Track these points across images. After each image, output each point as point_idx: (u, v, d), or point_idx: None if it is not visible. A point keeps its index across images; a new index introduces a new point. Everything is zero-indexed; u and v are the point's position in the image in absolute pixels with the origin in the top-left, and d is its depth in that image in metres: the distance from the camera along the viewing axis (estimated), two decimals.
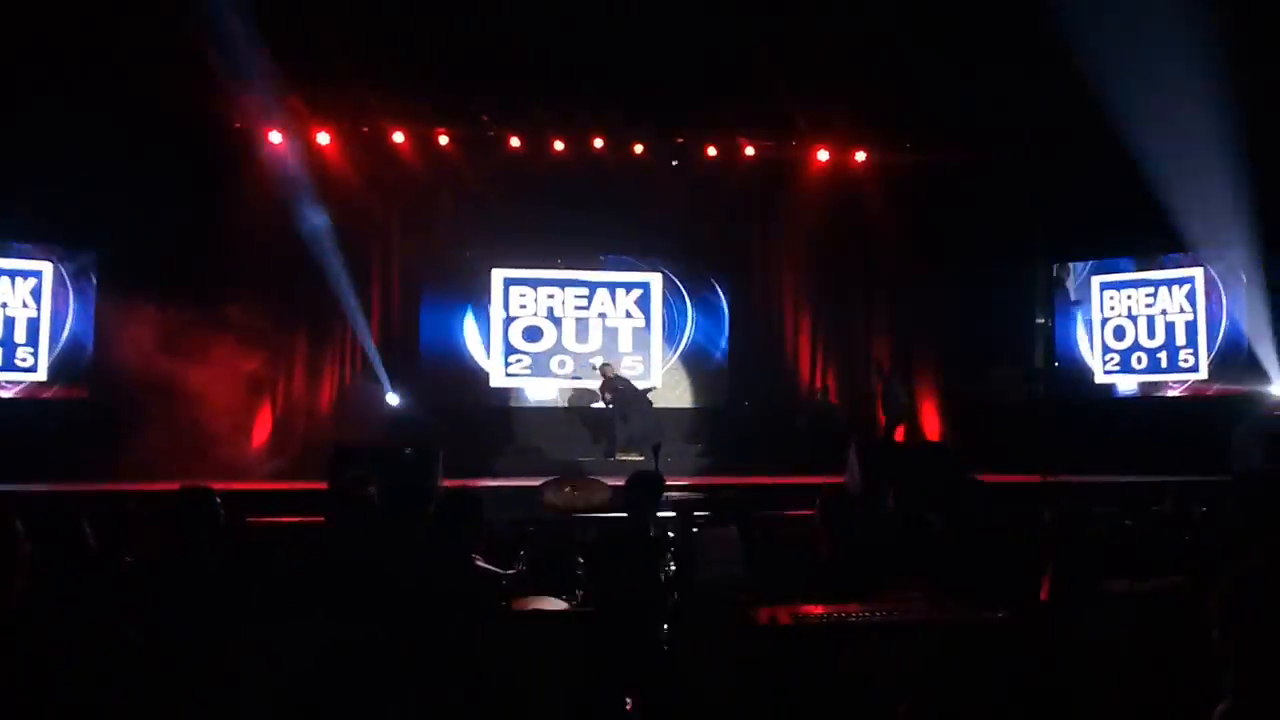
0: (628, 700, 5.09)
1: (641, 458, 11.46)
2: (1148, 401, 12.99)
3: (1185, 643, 4.33)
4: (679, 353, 14.61)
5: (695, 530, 5.68)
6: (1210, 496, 5.76)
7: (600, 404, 13.40)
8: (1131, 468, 10.18)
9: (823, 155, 14.10)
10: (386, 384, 13.22)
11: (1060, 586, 5.15)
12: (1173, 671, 4.24)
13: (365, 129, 13.23)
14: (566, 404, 13.95)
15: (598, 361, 13.67)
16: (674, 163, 13.94)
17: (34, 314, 12.45)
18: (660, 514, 6.85)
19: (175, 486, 5.20)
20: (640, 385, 13.58)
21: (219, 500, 5.12)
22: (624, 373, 13.72)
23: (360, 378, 13.24)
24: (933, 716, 4.76)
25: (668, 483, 7.86)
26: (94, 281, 12.68)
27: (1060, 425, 13.03)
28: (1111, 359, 13.62)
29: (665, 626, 5.17)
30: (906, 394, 13.48)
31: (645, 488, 5.61)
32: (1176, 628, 4.50)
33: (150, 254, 12.08)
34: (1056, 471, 9.39)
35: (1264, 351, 11.88)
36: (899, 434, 13.39)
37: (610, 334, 14.34)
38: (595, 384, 13.44)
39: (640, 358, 14.35)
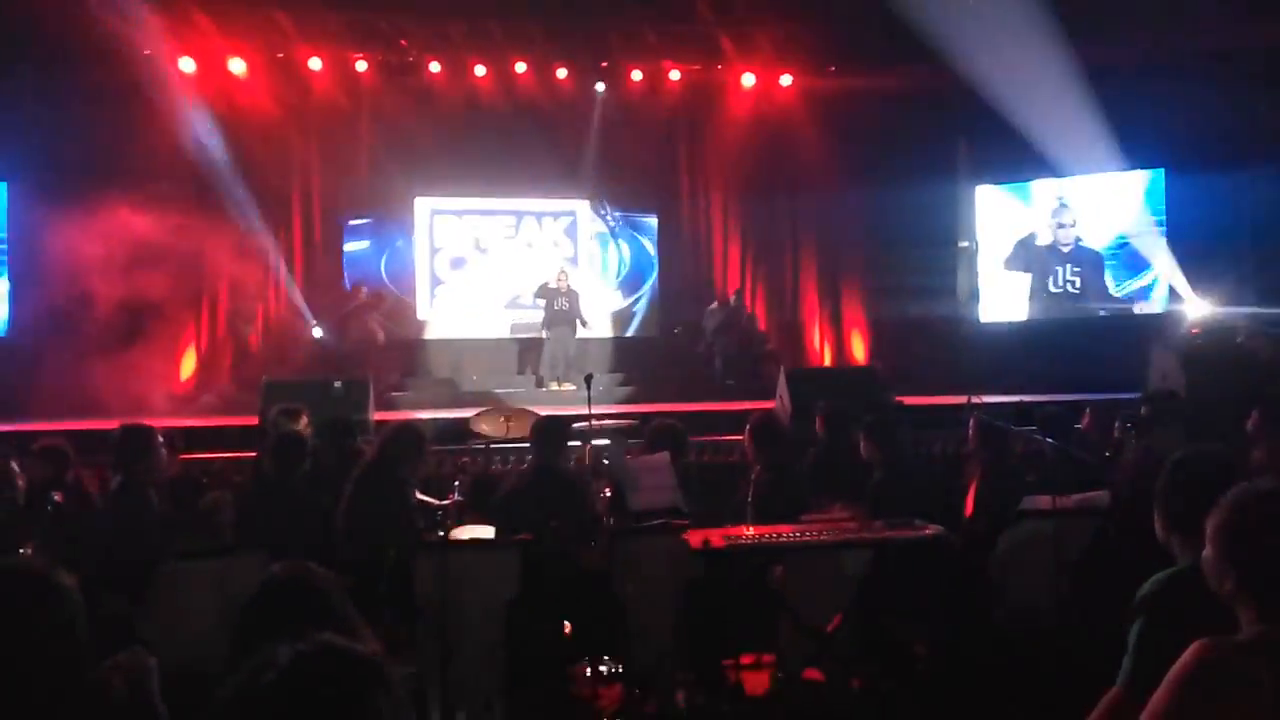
0: (566, 625, 5.19)
1: (574, 387, 11.45)
2: (1068, 322, 13.30)
3: (1105, 555, 4.54)
4: (609, 280, 14.57)
5: (628, 458, 5.72)
6: (1130, 415, 5.96)
7: (545, 309, 13.04)
8: (1050, 388, 10.48)
9: (748, 79, 14.02)
10: (310, 318, 13.01)
11: (984, 503, 5.34)
12: (1092, 583, 4.45)
13: (280, 55, 12.82)
14: (502, 335, 13.74)
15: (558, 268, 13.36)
16: (598, 87, 13.76)
17: None
18: (596, 443, 6.94)
19: (99, 424, 5.11)
20: (579, 307, 13.15)
21: (160, 439, 5.04)
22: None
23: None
24: (862, 631, 4.93)
25: (598, 410, 7.95)
26: (4, 215, 12.20)
27: (986, 347, 13.33)
28: None
29: (599, 552, 5.25)
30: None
31: (550, 434, 5.66)
32: (1097, 541, 4.71)
33: (63, 186, 11.62)
34: (979, 392, 9.61)
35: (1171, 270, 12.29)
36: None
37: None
38: (551, 285, 13.01)
39: None
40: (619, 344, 14.45)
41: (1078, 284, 13.48)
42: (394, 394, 12.18)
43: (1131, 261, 13.11)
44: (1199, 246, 12.04)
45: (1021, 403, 8.08)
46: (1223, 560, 2.02)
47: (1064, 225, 13.57)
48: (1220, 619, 2.01)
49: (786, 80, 14.10)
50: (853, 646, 4.93)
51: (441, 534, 4.75)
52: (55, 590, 1.99)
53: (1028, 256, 13.87)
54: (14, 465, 4.65)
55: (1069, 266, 13.58)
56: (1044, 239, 13.70)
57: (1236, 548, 2.00)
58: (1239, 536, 2.01)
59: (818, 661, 4.97)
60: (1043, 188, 13.70)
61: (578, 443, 6.85)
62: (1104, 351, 10.98)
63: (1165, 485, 2.57)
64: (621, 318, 14.63)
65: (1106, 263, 13.29)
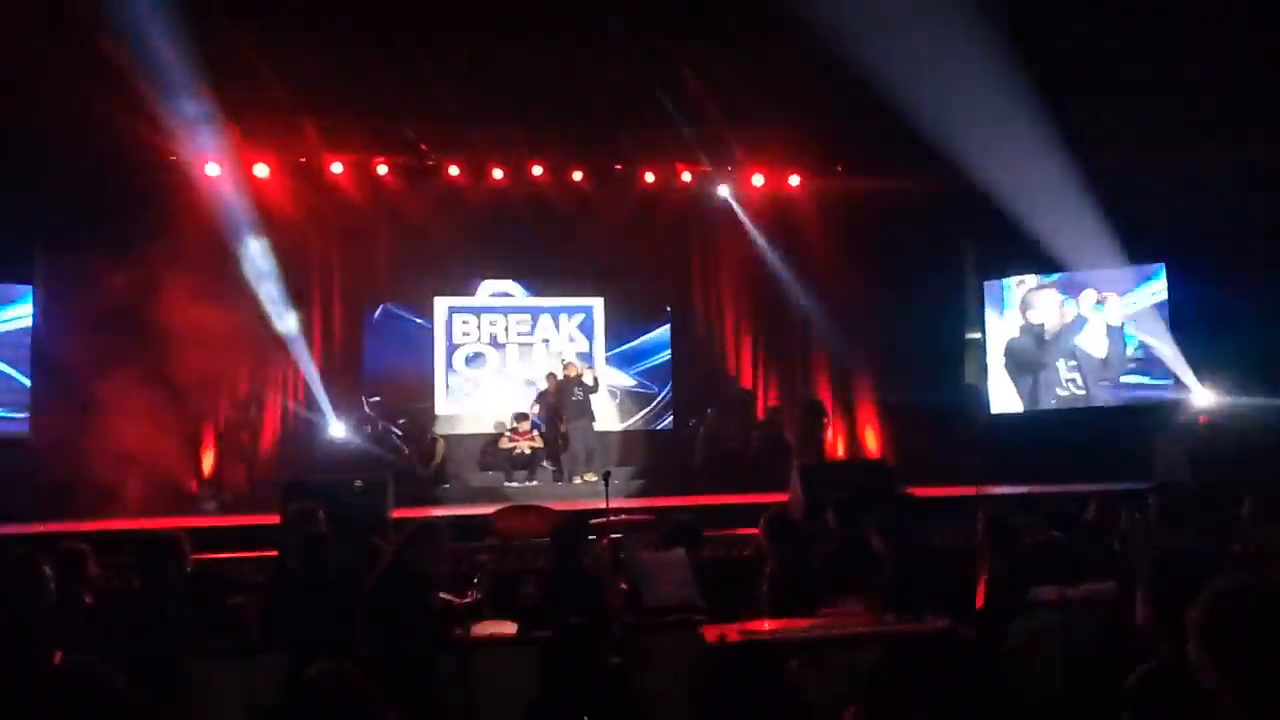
0: None
1: (595, 478, 11.56)
2: (1075, 411, 13.39)
3: (1114, 643, 4.60)
4: (624, 374, 14.76)
5: (644, 554, 5.83)
6: (1135, 505, 6.04)
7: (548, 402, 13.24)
8: (1057, 478, 10.52)
9: (758, 180, 14.39)
10: (331, 415, 13.19)
11: (994, 595, 5.41)
12: (1102, 670, 4.50)
13: (303, 159, 13.25)
14: (512, 424, 13.87)
15: (565, 359, 13.59)
16: (612, 188, 14.11)
17: None
18: (613, 537, 7.04)
19: (122, 524, 5.23)
20: (593, 399, 13.36)
21: (186, 546, 5.16)
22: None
23: None
24: None
25: (614, 505, 8.06)
26: (31, 320, 12.51)
27: (995, 437, 13.40)
28: None
29: (617, 649, 5.32)
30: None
31: (571, 533, 5.77)
32: (1105, 630, 4.77)
33: (88, 290, 11.96)
34: (988, 483, 9.69)
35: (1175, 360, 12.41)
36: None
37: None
38: (552, 382, 13.27)
39: None
40: (637, 437, 14.56)
41: (1079, 381, 13.58)
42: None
43: (1139, 355, 13.26)
44: (1203, 339, 12.20)
45: (1029, 494, 8.15)
46: (1203, 654, 2.13)
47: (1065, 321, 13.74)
48: (1204, 711, 2.10)
49: (794, 181, 14.45)
50: None
51: (461, 632, 4.84)
52: (115, 690, 2.12)
53: (1022, 359, 14.02)
54: (46, 568, 4.77)
55: (1067, 363, 13.70)
56: (1050, 328, 13.85)
57: (1216, 642, 2.11)
58: (1217, 631, 2.11)
59: None
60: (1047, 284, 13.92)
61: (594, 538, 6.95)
62: (1111, 441, 11.06)
63: (1151, 579, 2.68)
64: (637, 412, 14.76)
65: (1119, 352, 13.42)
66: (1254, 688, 2.06)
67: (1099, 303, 13.48)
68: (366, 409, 13.31)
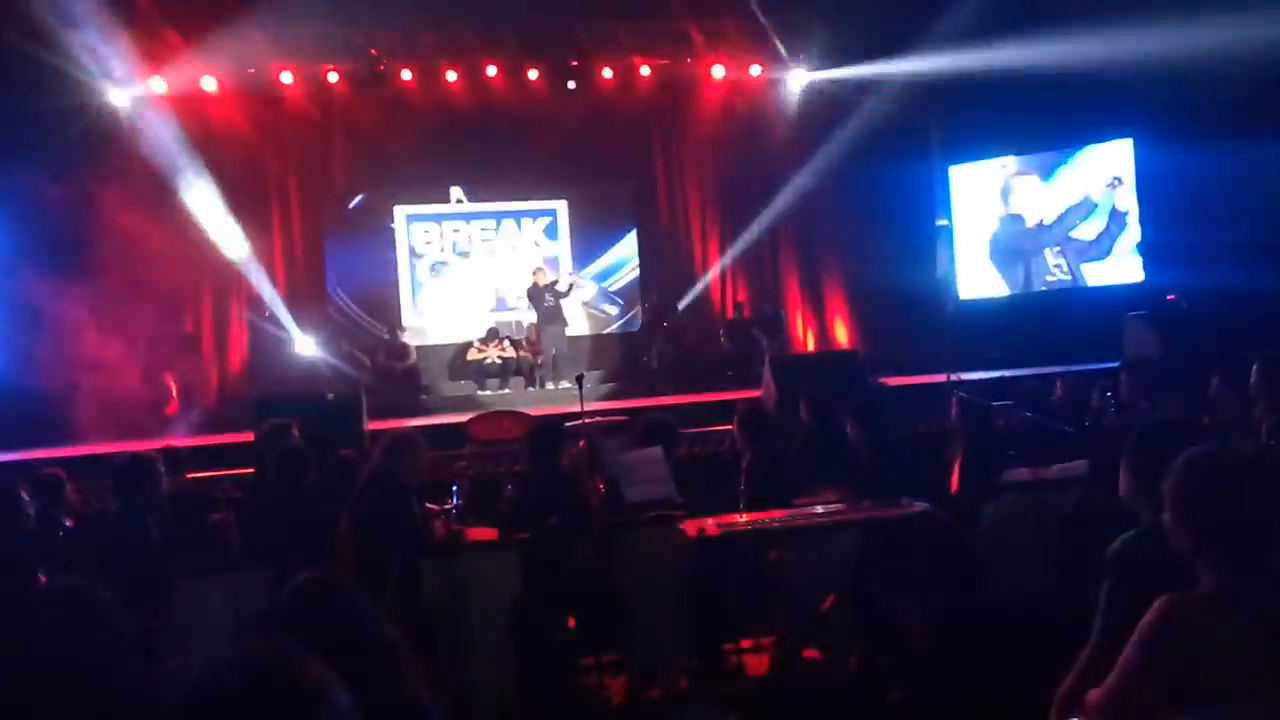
0: (570, 620, 5.32)
1: (568, 384, 11.59)
2: (1045, 294, 13.47)
3: (1089, 519, 4.70)
4: (591, 278, 14.66)
5: (621, 453, 5.85)
6: (1104, 385, 6.12)
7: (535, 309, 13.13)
8: (1030, 362, 10.64)
9: (718, 71, 14.12)
10: (296, 332, 13.08)
11: (968, 478, 5.50)
12: (1074, 549, 4.60)
13: (251, 70, 12.85)
14: (483, 335, 13.80)
15: (535, 267, 13.44)
16: (570, 86, 13.82)
17: None
18: (589, 438, 7.06)
19: (96, 449, 5.21)
20: (564, 304, 13.22)
21: (161, 466, 5.15)
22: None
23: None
24: (857, 607, 5.09)
25: (587, 408, 8.09)
26: None
27: (965, 324, 13.48)
28: None
29: (597, 547, 5.39)
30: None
31: (547, 436, 5.77)
32: (1079, 507, 4.87)
33: (38, 217, 11.65)
34: (960, 370, 9.78)
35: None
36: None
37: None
38: (540, 284, 13.06)
39: None
40: (607, 339, 14.55)
41: (1065, 266, 13.61)
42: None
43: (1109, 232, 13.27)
44: (1169, 213, 12.23)
45: (1000, 378, 8.24)
46: (1179, 521, 2.17)
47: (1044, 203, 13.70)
48: (1182, 575, 2.15)
49: (756, 71, 14.22)
50: (848, 624, 5.08)
51: (444, 539, 4.87)
52: (102, 607, 2.11)
53: (1009, 246, 13.97)
54: (24, 494, 4.75)
55: (1052, 249, 13.70)
56: (1031, 219, 13.83)
57: (1190, 508, 2.15)
58: (1191, 498, 2.15)
59: (815, 641, 5.12)
60: (1018, 167, 13.84)
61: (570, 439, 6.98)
62: (1082, 323, 11.15)
63: (1131, 451, 2.72)
64: (606, 314, 14.72)
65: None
66: (1224, 550, 2.10)
67: (1112, 184, 13.19)
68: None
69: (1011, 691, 4.35)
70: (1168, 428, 2.72)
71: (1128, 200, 12.95)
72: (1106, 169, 13.17)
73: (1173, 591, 2.08)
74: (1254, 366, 4.49)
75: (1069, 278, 13.52)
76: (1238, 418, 4.59)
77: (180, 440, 9.54)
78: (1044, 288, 13.66)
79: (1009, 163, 13.82)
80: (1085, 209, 13.38)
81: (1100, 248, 13.30)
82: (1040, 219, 13.70)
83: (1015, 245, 13.88)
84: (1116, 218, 13.15)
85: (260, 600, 4.26)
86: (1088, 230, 13.41)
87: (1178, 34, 10.06)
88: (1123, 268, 13.04)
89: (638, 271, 14.77)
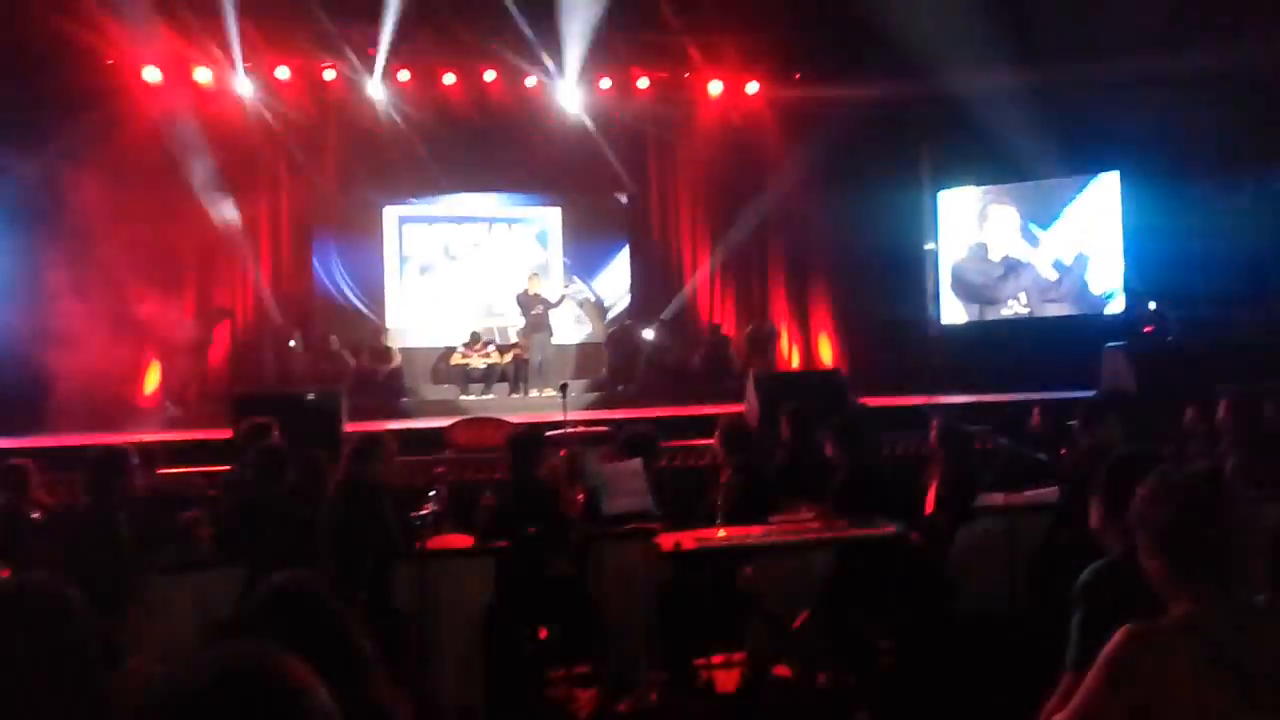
0: (542, 630, 5.32)
1: (553, 391, 11.57)
2: (1027, 322, 13.53)
3: (1056, 548, 4.72)
4: (579, 288, 14.67)
5: (601, 464, 5.86)
6: (1080, 413, 6.14)
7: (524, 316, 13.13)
8: (1006, 388, 10.68)
9: (715, 87, 14.17)
10: (279, 329, 13.04)
11: (943, 501, 5.52)
12: (1045, 575, 4.63)
13: (248, 65, 12.84)
14: (468, 340, 13.77)
15: (531, 272, 13.44)
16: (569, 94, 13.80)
17: None
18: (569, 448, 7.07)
19: (69, 440, 5.16)
20: (551, 314, 13.24)
21: (135, 460, 5.11)
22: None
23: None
24: (828, 625, 5.10)
25: (570, 418, 8.09)
26: None
27: (946, 348, 13.56)
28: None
29: (573, 558, 5.38)
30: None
31: (526, 444, 5.73)
32: (1051, 534, 4.90)
33: (25, 202, 11.58)
34: (939, 393, 9.84)
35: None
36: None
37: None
38: (530, 292, 13.06)
39: None
40: (593, 349, 14.53)
41: (1024, 300, 13.68)
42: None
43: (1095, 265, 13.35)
44: (1151, 248, 12.33)
45: (977, 403, 8.28)
46: (1147, 547, 2.18)
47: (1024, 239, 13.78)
48: (1152, 604, 2.16)
49: (753, 88, 14.27)
50: (819, 642, 5.09)
51: (419, 543, 4.86)
52: (69, 605, 2.10)
53: (969, 287, 14.05)
54: None
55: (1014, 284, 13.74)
56: (996, 254, 13.89)
57: (1156, 535, 2.16)
58: (1156, 524, 2.16)
59: (785, 658, 5.13)
60: (1001, 196, 13.90)
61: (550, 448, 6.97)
62: (1062, 351, 11.22)
63: (1101, 484, 2.74)
64: (592, 324, 14.72)
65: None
66: (1185, 570, 2.11)
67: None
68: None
69: (978, 713, 4.38)
70: (1138, 460, 2.74)
71: (1104, 240, 13.06)
72: (1090, 215, 13.28)
73: (1139, 620, 2.08)
74: (1221, 403, 4.52)
75: (1027, 310, 13.61)
76: (1207, 450, 4.63)
77: (155, 434, 9.50)
78: (996, 318, 13.76)
79: (993, 190, 13.90)
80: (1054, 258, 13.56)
81: (1061, 290, 13.46)
82: (1005, 253, 13.77)
83: (975, 277, 13.96)
84: (1080, 261, 13.29)
85: (229, 601, 4.24)
86: (1052, 272, 13.55)
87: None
88: (1087, 307, 13.19)
89: (628, 283, 14.79)
